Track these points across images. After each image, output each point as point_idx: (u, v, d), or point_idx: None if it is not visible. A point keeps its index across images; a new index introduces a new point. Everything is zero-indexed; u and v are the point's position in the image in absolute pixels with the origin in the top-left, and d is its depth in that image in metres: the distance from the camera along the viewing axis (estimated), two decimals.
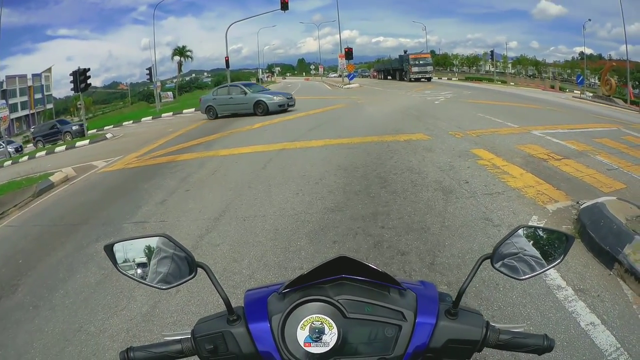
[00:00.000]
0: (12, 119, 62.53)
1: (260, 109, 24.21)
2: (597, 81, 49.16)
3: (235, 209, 7.95)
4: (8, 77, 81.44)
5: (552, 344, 1.26)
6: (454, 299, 1.27)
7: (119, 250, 1.33)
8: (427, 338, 1.18)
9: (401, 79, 60.55)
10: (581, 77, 43.25)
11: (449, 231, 6.10)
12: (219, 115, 25.98)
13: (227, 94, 26.19)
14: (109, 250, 1.32)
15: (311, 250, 5.93)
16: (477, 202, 7.16)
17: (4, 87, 77.31)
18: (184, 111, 40.36)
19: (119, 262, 1.33)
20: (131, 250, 1.33)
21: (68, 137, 32.66)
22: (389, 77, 69.86)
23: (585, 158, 9.71)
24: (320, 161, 10.93)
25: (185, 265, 1.30)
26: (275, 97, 24.96)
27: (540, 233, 1.43)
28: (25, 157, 26.19)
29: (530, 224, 5.53)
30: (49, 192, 12.37)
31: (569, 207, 6.75)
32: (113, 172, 13.84)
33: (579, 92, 38.69)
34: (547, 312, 4.10)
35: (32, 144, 34.13)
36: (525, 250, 1.36)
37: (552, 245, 1.38)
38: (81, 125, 33.61)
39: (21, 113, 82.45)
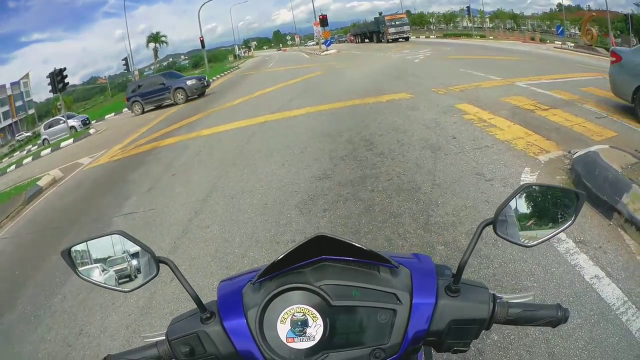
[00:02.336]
0: None
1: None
2: (577, 32, 49.04)
3: (222, 188, 7.89)
4: None
5: (566, 314, 1.14)
6: (453, 272, 1.13)
7: (77, 254, 1.19)
8: (427, 321, 1.06)
9: (379, 41, 60.33)
10: (561, 28, 42.88)
11: (441, 189, 5.98)
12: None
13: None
14: (66, 255, 1.18)
15: (302, 221, 5.84)
16: (466, 157, 7.03)
17: None
18: None
19: (78, 267, 1.19)
20: (88, 253, 1.20)
21: (180, 97, 26.61)
22: (367, 40, 69.76)
23: (573, 107, 9.56)
24: (303, 130, 10.82)
25: (147, 262, 1.18)
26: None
27: (547, 192, 1.24)
28: (13, 167, 25.93)
29: (534, 182, 5.37)
30: (38, 197, 12.28)
31: (561, 157, 6.63)
32: (99, 167, 13.77)
33: (560, 42, 38.48)
34: (550, 266, 3.98)
35: (126, 109, 31.56)
36: (531, 211, 1.19)
37: (561, 205, 1.20)
38: (200, 79, 27.98)
39: (4, 123, 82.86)
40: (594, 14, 46.82)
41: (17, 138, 76.90)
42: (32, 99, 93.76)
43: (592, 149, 6.20)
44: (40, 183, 13.20)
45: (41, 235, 8.57)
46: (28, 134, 76.38)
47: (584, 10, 64.70)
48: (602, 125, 8.14)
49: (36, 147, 37.41)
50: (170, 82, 27.01)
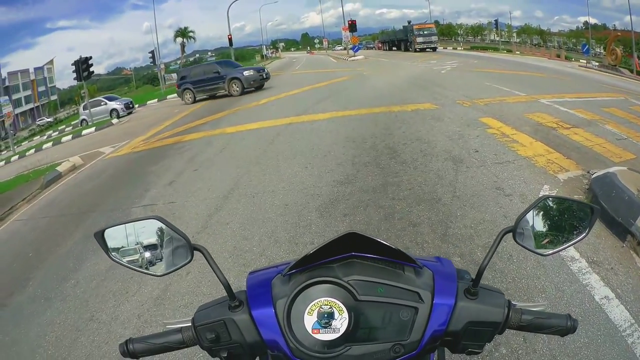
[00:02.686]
0: (17, 114, 62.97)
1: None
2: (602, 51, 48.53)
3: (244, 186, 7.94)
4: (10, 74, 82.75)
5: (575, 324, 1.19)
6: (472, 277, 1.19)
7: (111, 236, 1.23)
8: (445, 321, 1.10)
9: (406, 50, 59.92)
10: (587, 47, 42.68)
11: (460, 201, 6.03)
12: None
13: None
14: (100, 237, 1.22)
15: (322, 224, 5.89)
16: (487, 171, 7.07)
17: (7, 83, 78.33)
18: None
19: (111, 249, 1.23)
20: (123, 236, 1.23)
21: (235, 88, 24.81)
22: (394, 48, 69.23)
23: (594, 127, 9.52)
24: (328, 134, 10.86)
25: (181, 249, 1.21)
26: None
27: (564, 204, 1.30)
28: (32, 150, 26.20)
29: (553, 194, 5.47)
30: (57, 182, 12.44)
31: (580, 177, 6.65)
32: (120, 157, 13.88)
33: (585, 61, 38.10)
34: (562, 284, 4.04)
35: (176, 95, 28.59)
36: (549, 222, 1.26)
37: (576, 218, 1.26)
38: (259, 70, 26.09)
39: (25, 107, 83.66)
40: (619, 34, 46.31)
41: (38, 122, 77.65)
42: (55, 85, 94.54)
43: (611, 170, 6.21)
44: (60, 169, 13.40)
45: (57, 220, 8.67)
46: (49, 120, 77.07)
47: (610, 29, 64.10)
48: (622, 147, 8.12)
49: (70, 127, 37.82)
50: (226, 71, 25.32)
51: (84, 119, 32.90)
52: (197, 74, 26.38)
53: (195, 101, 25.94)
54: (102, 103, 32.75)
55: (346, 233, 1.08)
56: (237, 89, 24.49)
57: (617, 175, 5.89)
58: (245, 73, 24.89)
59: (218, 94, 25.93)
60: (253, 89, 24.73)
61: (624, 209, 5.04)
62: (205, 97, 26.15)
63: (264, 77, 25.44)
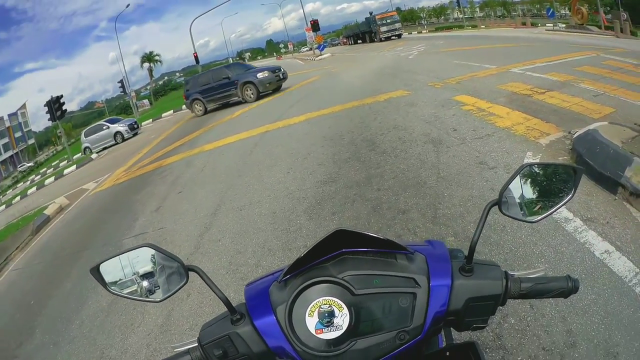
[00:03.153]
0: None
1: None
2: (568, 12, 48.98)
3: (229, 200, 7.91)
4: None
5: (576, 284, 1.20)
6: (466, 254, 1.20)
7: (106, 270, 1.24)
8: (445, 301, 1.12)
9: (371, 41, 60.62)
10: (551, 10, 43.00)
11: (446, 182, 6.03)
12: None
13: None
14: (96, 272, 1.22)
15: (312, 226, 5.88)
16: (468, 147, 7.08)
17: None
18: (163, 115, 40.55)
19: (108, 282, 1.23)
20: (118, 268, 1.24)
21: (250, 94, 22.62)
22: (359, 41, 70.10)
23: (569, 88, 9.60)
24: (305, 136, 10.86)
25: (176, 271, 1.22)
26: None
27: (546, 170, 1.34)
28: (18, 198, 26.28)
29: (533, 161, 5.48)
30: (46, 226, 12.42)
31: (562, 138, 6.68)
32: (104, 191, 13.82)
33: (552, 25, 38.52)
34: (560, 246, 4.04)
35: (185, 107, 27.84)
36: (533, 189, 1.29)
37: (560, 181, 1.30)
38: (274, 70, 23.06)
39: (5, 155, 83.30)
40: None
41: (20, 169, 77.45)
42: (30, 129, 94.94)
43: (592, 127, 6.25)
44: (47, 212, 13.35)
45: (52, 264, 8.65)
46: (30, 164, 76.93)
47: None
48: (600, 102, 8.19)
49: (52, 169, 37.37)
50: (237, 75, 22.96)
51: (86, 147, 31.72)
52: (205, 81, 24.06)
53: (206, 112, 24.25)
54: (104, 127, 31.73)
55: (334, 231, 1.10)
56: (252, 94, 22.38)
57: (598, 131, 5.93)
58: (259, 75, 22.37)
59: (231, 102, 23.83)
60: (270, 91, 22.79)
61: (611, 163, 5.07)
62: (217, 106, 24.24)
63: (281, 77, 23.16)
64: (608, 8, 39.82)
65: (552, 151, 6.30)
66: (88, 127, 32.19)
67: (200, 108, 24.48)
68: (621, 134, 5.79)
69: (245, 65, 27.43)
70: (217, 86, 23.39)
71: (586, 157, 5.51)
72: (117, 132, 30.61)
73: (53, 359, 5.11)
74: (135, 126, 32.03)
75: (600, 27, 32.90)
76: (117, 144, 29.65)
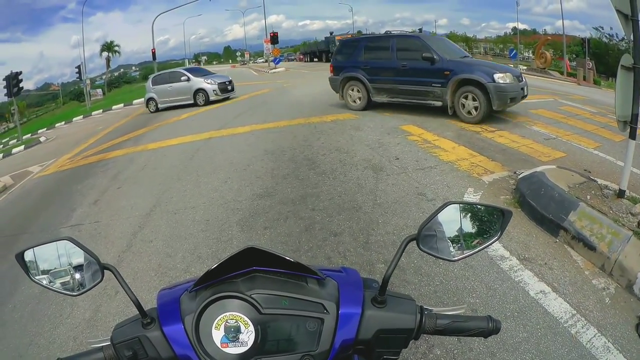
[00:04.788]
0: None
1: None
2: (531, 55, 50.82)
3: (165, 202, 7.84)
4: None
5: (498, 325, 1.24)
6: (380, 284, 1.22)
7: (29, 257, 1.30)
8: (354, 330, 1.15)
9: (327, 60, 60.87)
10: (514, 51, 44.53)
11: (382, 209, 6.08)
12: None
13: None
14: (20, 258, 1.28)
15: (243, 238, 5.85)
16: (408, 177, 7.17)
17: None
18: (113, 107, 40.08)
19: (30, 270, 1.29)
20: (40, 257, 1.30)
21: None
22: (315, 60, 70.68)
23: (520, 129, 9.92)
24: (247, 147, 10.81)
25: (93, 268, 1.27)
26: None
27: (473, 209, 1.34)
28: None
29: (460, 199, 5.64)
30: None
31: (506, 178, 6.85)
32: (48, 176, 13.60)
33: (512, 65, 39.89)
34: (492, 283, 4.08)
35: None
36: (457, 228, 1.29)
37: (487, 222, 1.31)
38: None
39: None
40: (549, 37, 48.98)
41: None
42: None
43: (539, 169, 6.44)
44: None
45: None
46: None
47: (540, 34, 67.39)
48: (551, 146, 8.47)
49: (1, 146, 36.09)
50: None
51: (151, 98, 23.40)
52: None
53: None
54: (182, 78, 22.59)
55: (245, 248, 1.13)
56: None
57: (545, 174, 6.11)
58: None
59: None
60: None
61: (555, 206, 5.23)
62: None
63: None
64: (574, 55, 41.63)
65: (494, 189, 6.44)
66: (157, 73, 25.45)
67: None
68: (569, 179, 5.96)
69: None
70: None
71: (529, 198, 5.64)
72: (200, 91, 22.07)
73: None
74: (230, 88, 23.02)
75: (562, 73, 34.29)
76: (195, 105, 21.95)
